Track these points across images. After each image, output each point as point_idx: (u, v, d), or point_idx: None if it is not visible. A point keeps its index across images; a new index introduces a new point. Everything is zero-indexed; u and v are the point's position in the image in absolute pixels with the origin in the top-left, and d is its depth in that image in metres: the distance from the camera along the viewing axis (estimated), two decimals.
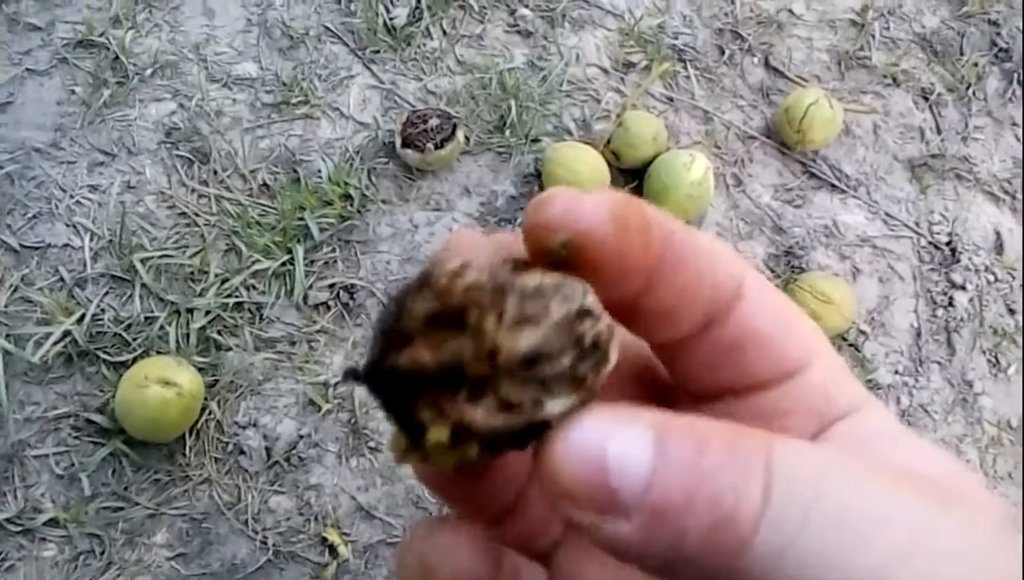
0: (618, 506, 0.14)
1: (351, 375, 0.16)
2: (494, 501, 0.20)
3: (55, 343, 0.90)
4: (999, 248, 1.18)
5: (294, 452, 0.92)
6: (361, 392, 0.95)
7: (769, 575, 0.13)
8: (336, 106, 1.09)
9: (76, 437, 0.89)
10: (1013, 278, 1.16)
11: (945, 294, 1.14)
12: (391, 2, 1.15)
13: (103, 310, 0.93)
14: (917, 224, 1.17)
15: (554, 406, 0.15)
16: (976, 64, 1.28)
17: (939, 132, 1.24)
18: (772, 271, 1.10)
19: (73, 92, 1.04)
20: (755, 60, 1.23)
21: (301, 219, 1.00)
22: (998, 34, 1.31)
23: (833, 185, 1.17)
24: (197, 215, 1.00)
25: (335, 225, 1.01)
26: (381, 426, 0.94)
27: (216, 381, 0.93)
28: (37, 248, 0.96)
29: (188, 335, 0.93)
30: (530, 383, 0.15)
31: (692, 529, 0.13)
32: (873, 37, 1.27)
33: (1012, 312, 1.14)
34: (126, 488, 0.88)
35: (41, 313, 0.92)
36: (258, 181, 1.03)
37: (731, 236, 1.11)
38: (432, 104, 1.11)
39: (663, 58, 1.18)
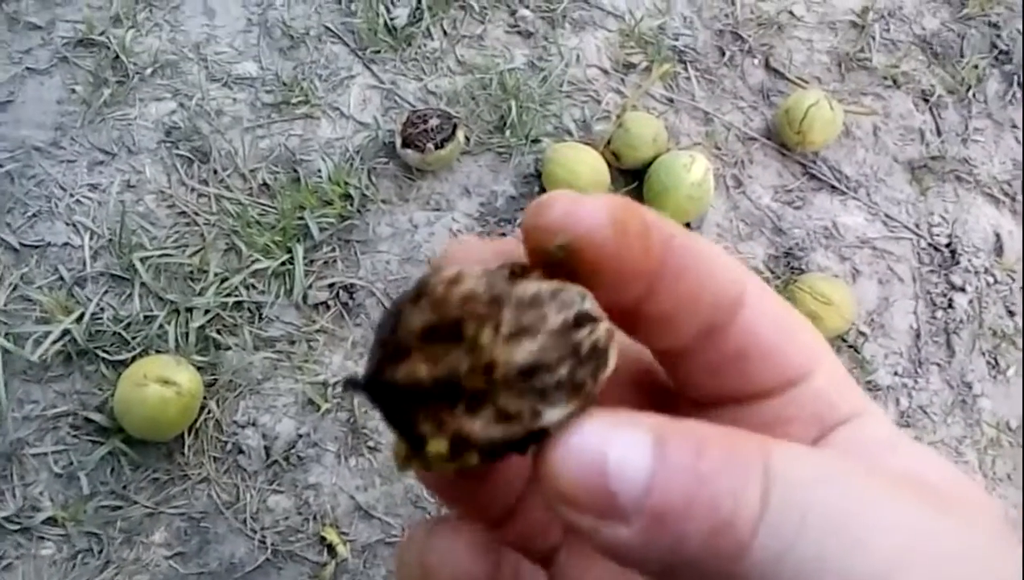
0: (617, 510, 0.14)
1: (351, 385, 0.16)
2: (495, 503, 0.20)
3: (54, 342, 0.90)
4: (999, 250, 1.18)
5: (293, 451, 0.92)
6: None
7: (767, 579, 0.13)
8: (336, 106, 1.09)
9: (75, 436, 0.89)
10: (1013, 280, 1.16)
11: (945, 296, 1.14)
12: (392, 2, 1.15)
13: (102, 309, 0.93)
14: (917, 226, 1.17)
15: (553, 414, 0.15)
16: (976, 66, 1.28)
17: (939, 134, 1.24)
18: (772, 272, 1.10)
19: (73, 91, 1.04)
20: (755, 61, 1.23)
21: (301, 219, 1.00)
22: (998, 36, 1.31)
23: (833, 186, 1.17)
24: (197, 214, 1.00)
25: (335, 225, 1.01)
26: (380, 426, 0.94)
27: (215, 380, 0.93)
28: (37, 247, 0.96)
29: (187, 334, 0.93)
30: (528, 393, 0.15)
31: (691, 533, 0.13)
32: (873, 39, 1.27)
33: (1011, 314, 1.15)
34: (125, 487, 0.88)
35: (40, 312, 0.92)
36: (258, 180, 1.03)
37: (731, 237, 1.11)
38: (432, 104, 1.11)
39: (663, 59, 1.18)
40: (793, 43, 1.25)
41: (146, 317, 0.93)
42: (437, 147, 1.02)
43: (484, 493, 0.20)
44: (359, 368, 0.97)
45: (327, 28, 1.13)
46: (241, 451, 0.91)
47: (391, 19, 1.14)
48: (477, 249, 0.18)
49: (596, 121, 1.14)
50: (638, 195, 1.09)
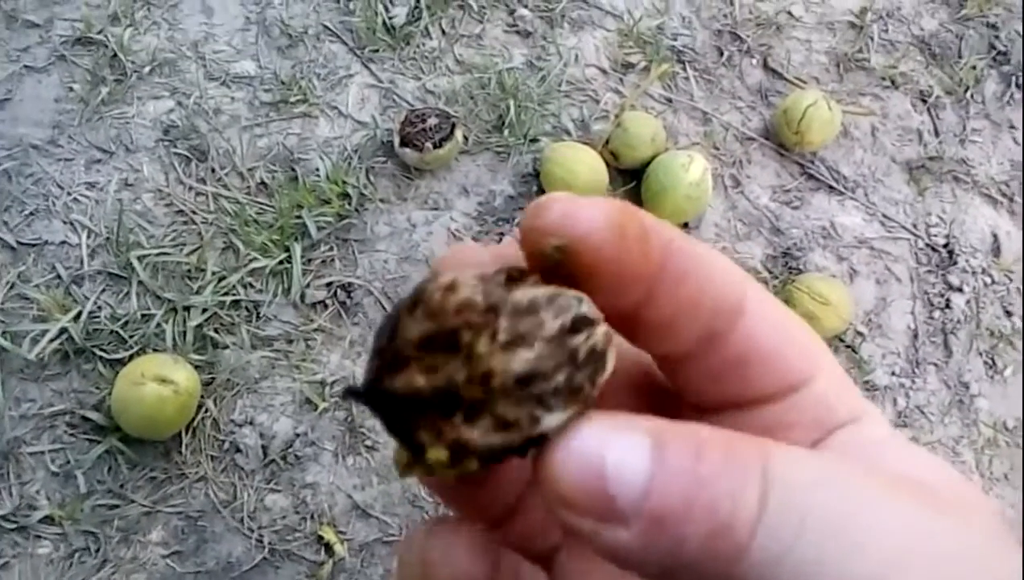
0: (616, 513, 0.14)
1: (351, 394, 0.16)
2: (495, 504, 0.20)
3: (51, 340, 0.90)
4: (996, 250, 1.18)
5: (290, 450, 0.92)
6: None
7: None
8: (334, 105, 1.09)
9: (72, 434, 0.89)
10: (1010, 281, 1.16)
11: (942, 296, 1.14)
12: (390, 1, 1.15)
13: (100, 307, 0.93)
14: (915, 226, 1.18)
15: (551, 420, 0.15)
16: (974, 67, 1.28)
17: (937, 134, 1.24)
18: (770, 272, 1.10)
19: (71, 89, 1.04)
20: (754, 61, 1.23)
21: (299, 217, 1.00)
22: (996, 37, 1.32)
23: (831, 187, 1.17)
24: (195, 213, 1.00)
25: (333, 224, 1.01)
26: (377, 425, 0.94)
27: (213, 379, 0.93)
28: (34, 245, 0.96)
29: (185, 333, 0.93)
30: (526, 401, 0.15)
31: (690, 536, 0.13)
32: (872, 39, 1.27)
33: (1009, 314, 1.15)
34: (122, 486, 0.88)
35: (38, 310, 0.92)
36: (256, 179, 1.03)
37: (729, 237, 1.11)
38: (431, 103, 1.11)
39: (662, 59, 1.18)
40: (791, 43, 1.25)
41: (143, 316, 0.93)
42: (435, 146, 1.02)
43: (484, 494, 0.20)
44: (357, 367, 0.97)
45: (325, 27, 1.13)
46: (238, 450, 0.91)
47: (389, 18, 1.14)
48: (475, 254, 0.18)
49: (594, 121, 1.14)
50: (636, 195, 1.09)
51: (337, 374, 0.96)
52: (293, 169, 1.04)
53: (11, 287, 0.93)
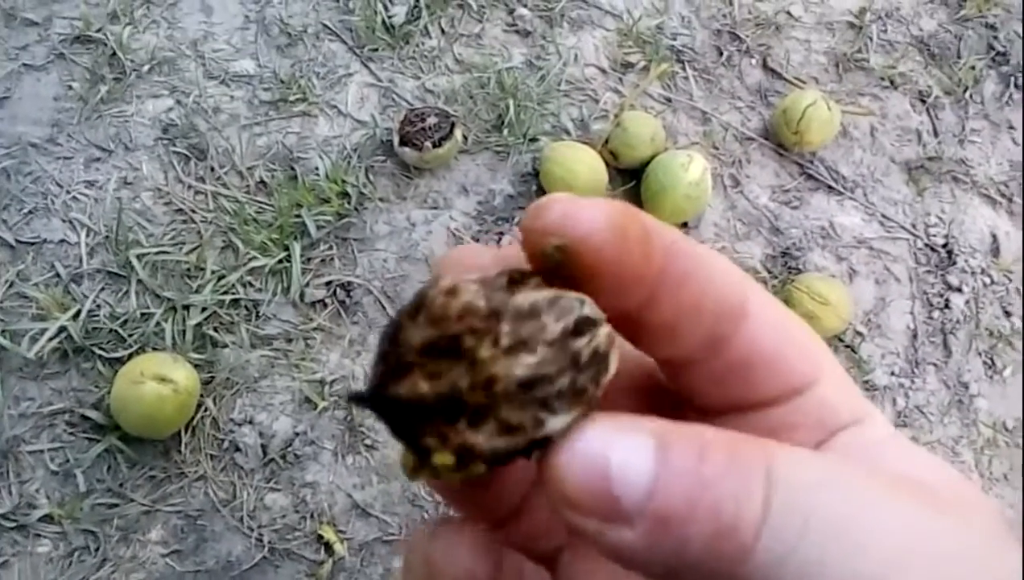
0: (621, 514, 0.14)
1: (356, 399, 0.16)
2: (500, 505, 0.20)
3: (50, 339, 0.90)
4: (995, 251, 1.18)
5: (290, 449, 0.92)
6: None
7: None
8: (334, 104, 1.09)
9: (71, 433, 0.89)
10: (1009, 281, 1.17)
11: (941, 296, 1.14)
12: (389, 0, 1.15)
13: (99, 306, 0.93)
14: (914, 226, 1.18)
15: (556, 422, 0.15)
16: (973, 67, 1.28)
17: (936, 135, 1.24)
18: (769, 272, 1.10)
19: (70, 88, 1.04)
20: (753, 61, 1.23)
21: (298, 216, 1.00)
22: (995, 37, 1.32)
23: (830, 187, 1.17)
24: (194, 212, 1.00)
25: (332, 223, 1.01)
26: (377, 425, 0.94)
27: (212, 378, 0.93)
28: (33, 243, 0.96)
29: (184, 332, 0.93)
30: (530, 404, 0.15)
31: (695, 537, 0.13)
32: (871, 39, 1.27)
33: (1008, 314, 1.15)
34: (121, 484, 0.88)
35: (37, 309, 0.92)
36: (255, 178, 1.03)
37: (728, 237, 1.11)
38: (430, 103, 1.11)
39: (661, 59, 1.18)
40: (791, 43, 1.25)
41: (143, 314, 0.93)
42: (435, 145, 1.02)
43: (489, 495, 0.20)
44: (356, 366, 0.97)
45: (325, 26, 1.13)
46: (238, 449, 0.91)
47: (389, 17, 1.14)
48: (477, 256, 0.18)
49: (594, 120, 1.14)
50: (636, 194, 1.09)
51: (336, 373, 0.96)
52: (292, 168, 1.04)
53: (10, 285, 0.93)
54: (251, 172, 1.03)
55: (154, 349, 0.92)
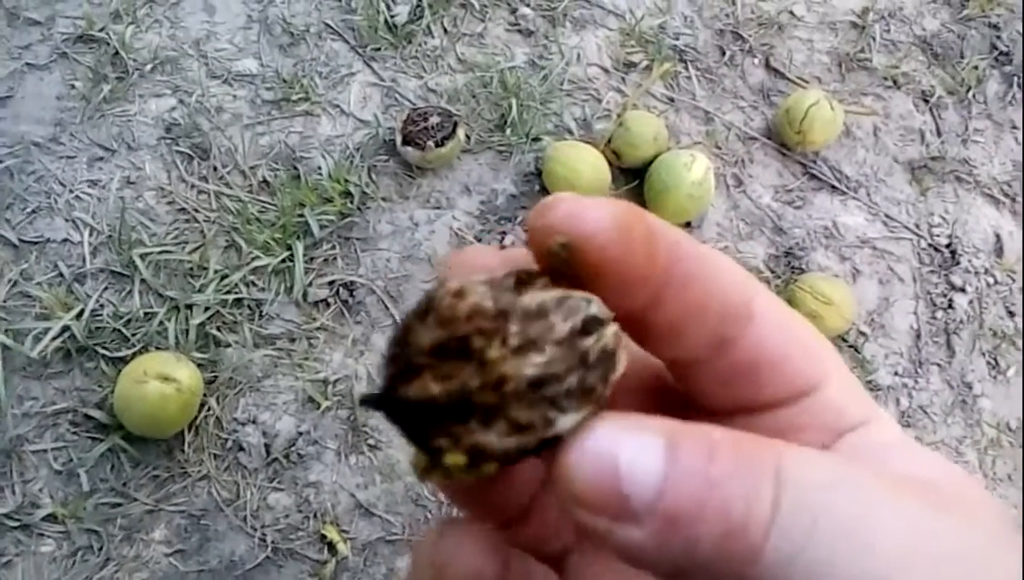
0: (630, 513, 0.14)
1: (367, 403, 0.16)
2: (509, 505, 0.20)
3: (54, 338, 0.90)
4: (999, 251, 1.18)
5: (293, 449, 0.92)
6: (360, 390, 0.95)
7: None
8: (337, 103, 1.09)
9: (75, 433, 0.89)
10: (1012, 281, 1.16)
11: (945, 296, 1.14)
12: (392, 0, 1.15)
13: (102, 305, 0.93)
14: (917, 226, 1.18)
15: (565, 421, 0.15)
16: (976, 67, 1.28)
17: (939, 134, 1.24)
18: (772, 272, 1.10)
19: (73, 87, 1.04)
20: (756, 61, 1.23)
21: (301, 216, 1.00)
22: (998, 37, 1.31)
23: (833, 186, 1.17)
24: (197, 211, 1.00)
25: (335, 222, 1.01)
26: (380, 424, 0.94)
27: (215, 377, 0.93)
28: (36, 243, 0.96)
29: (187, 331, 0.93)
30: (539, 403, 0.15)
31: (703, 536, 0.14)
32: (874, 39, 1.27)
33: (1011, 314, 1.15)
34: (124, 484, 0.88)
35: (40, 308, 0.92)
36: (258, 178, 1.03)
37: (731, 236, 1.11)
38: (433, 102, 1.11)
39: (664, 58, 1.18)
40: (793, 43, 1.25)
41: (146, 314, 0.93)
42: (437, 145, 1.02)
43: (498, 495, 0.20)
44: (359, 366, 0.97)
45: (327, 25, 1.13)
46: (241, 448, 0.91)
47: (391, 16, 1.14)
48: (484, 257, 0.18)
49: (597, 120, 1.14)
50: (639, 194, 1.09)
51: (339, 373, 0.96)
52: (295, 167, 1.04)
53: (13, 285, 0.93)
54: (254, 171, 1.03)
55: (157, 348, 0.92)
